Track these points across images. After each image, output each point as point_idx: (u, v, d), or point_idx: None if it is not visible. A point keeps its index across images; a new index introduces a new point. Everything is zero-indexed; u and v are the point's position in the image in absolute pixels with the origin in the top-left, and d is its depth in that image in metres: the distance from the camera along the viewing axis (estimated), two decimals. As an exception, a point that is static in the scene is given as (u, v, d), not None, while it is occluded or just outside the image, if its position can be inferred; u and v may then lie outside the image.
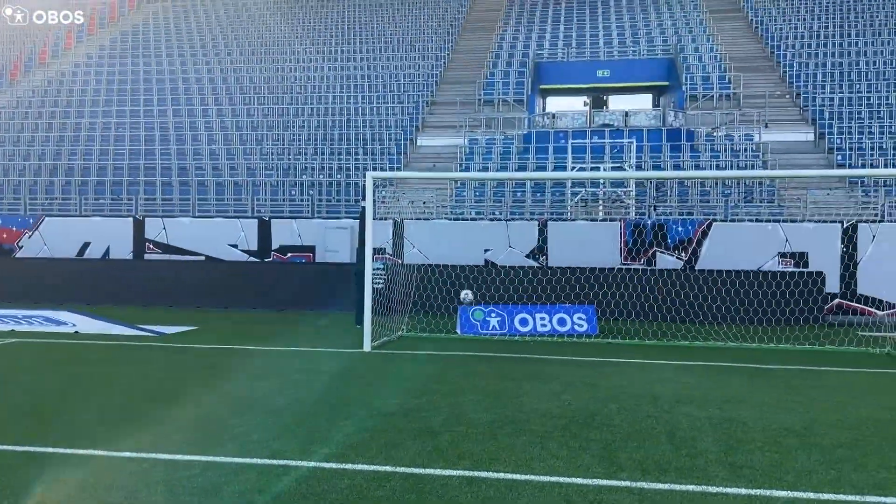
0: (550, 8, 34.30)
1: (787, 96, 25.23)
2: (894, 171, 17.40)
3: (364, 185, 12.70)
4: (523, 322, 13.28)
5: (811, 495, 4.79)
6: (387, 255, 16.91)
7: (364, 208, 13.05)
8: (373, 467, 5.30)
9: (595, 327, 13.30)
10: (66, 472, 5.23)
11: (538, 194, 20.46)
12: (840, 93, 24.35)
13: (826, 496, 4.77)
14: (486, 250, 17.62)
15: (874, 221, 16.77)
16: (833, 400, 7.91)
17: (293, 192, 21.64)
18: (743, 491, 4.85)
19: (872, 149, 20.78)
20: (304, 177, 22.29)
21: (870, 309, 15.68)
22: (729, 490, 4.86)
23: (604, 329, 13.53)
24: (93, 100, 28.78)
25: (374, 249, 12.53)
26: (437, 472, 5.21)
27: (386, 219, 18.24)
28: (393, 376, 9.14)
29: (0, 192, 22.62)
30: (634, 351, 11.45)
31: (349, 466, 5.31)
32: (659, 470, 5.28)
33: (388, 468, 5.28)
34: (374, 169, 21.63)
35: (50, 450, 5.73)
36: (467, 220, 18.96)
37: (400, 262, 16.54)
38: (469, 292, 14.13)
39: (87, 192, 22.22)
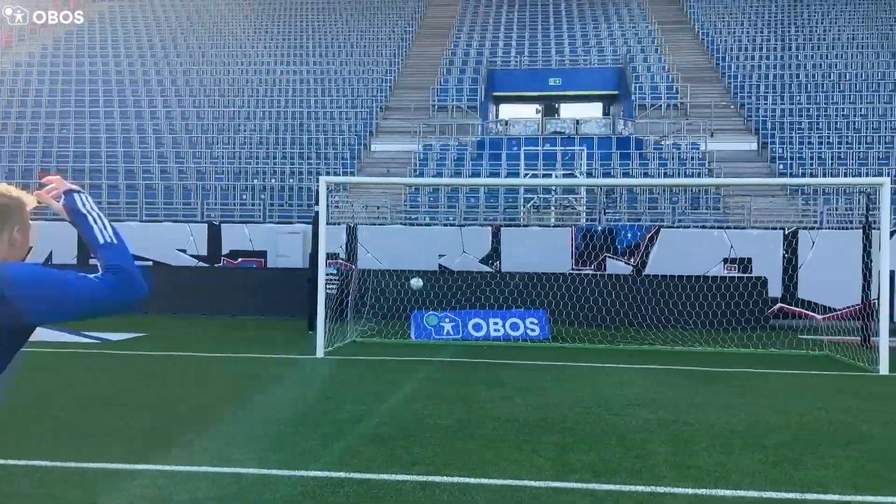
0: (503, 16, 34.66)
1: (732, 107, 26.00)
2: (832, 181, 18.08)
3: (317, 189, 12.63)
4: (477, 327, 13.36)
5: (755, 494, 4.94)
6: (340, 261, 16.81)
7: (317, 213, 12.96)
8: (326, 473, 5.27)
9: (547, 332, 13.46)
10: (10, 484, 5.06)
11: (491, 200, 20.63)
12: (781, 104, 25.22)
13: (768, 494, 4.93)
14: (440, 255, 17.67)
15: (814, 228, 17.40)
16: (775, 401, 8.18)
17: (244, 197, 21.35)
18: (690, 491, 4.98)
19: (812, 158, 21.58)
20: (256, 181, 22.02)
21: (809, 313, 16.25)
22: (677, 490, 4.98)
23: (556, 333, 13.71)
24: (35, 100, 27.92)
25: (328, 255, 12.45)
26: (391, 477, 5.21)
27: (339, 224, 18.13)
28: (346, 382, 9.09)
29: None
30: (585, 355, 11.63)
31: (302, 473, 5.26)
32: (610, 471, 5.38)
33: (342, 474, 5.25)
34: (328, 173, 21.50)
35: (-11, 461, 5.54)
36: (421, 225, 19.00)
37: (353, 267, 16.47)
38: (419, 279, 14.07)
39: (29, 194, 21.50)
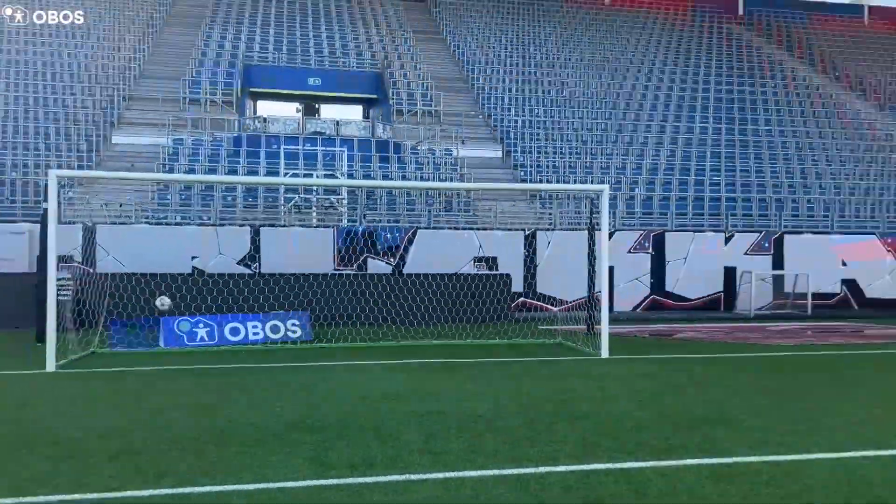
0: (259, 10, 33.75)
1: (481, 116, 27.92)
2: (563, 187, 20.21)
3: (46, 184, 11.27)
4: (234, 331, 12.87)
5: (496, 472, 5.38)
6: (75, 264, 15.19)
7: (46, 210, 11.57)
8: (59, 497, 4.75)
9: (309, 333, 13.39)
10: None
11: (250, 199, 20.01)
12: (523, 116, 27.62)
13: (507, 471, 5.40)
14: (193, 257, 16.75)
15: (549, 229, 19.32)
16: (516, 386, 8.96)
17: (-47, 191, 18.42)
18: (440, 475, 5.28)
19: (548, 166, 23.93)
20: (-32, 173, 19.11)
21: (546, 305, 18.01)
22: (429, 476, 5.26)
23: (318, 334, 13.68)
24: None
25: (60, 257, 11.18)
26: (136, 493, 4.84)
27: (74, 223, 16.42)
28: (83, 397, 8.25)
29: None
30: (347, 353, 11.76)
31: (29, 499, 4.69)
32: (366, 465, 5.52)
33: (77, 496, 4.77)
34: (60, 167, 19.33)
35: None
36: (171, 224, 17.85)
37: (91, 270, 14.97)
38: (167, 298, 13.25)
39: None
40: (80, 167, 20.03)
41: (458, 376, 9.68)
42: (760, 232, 20.69)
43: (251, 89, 29.51)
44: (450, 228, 19.25)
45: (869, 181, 25.40)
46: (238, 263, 17.06)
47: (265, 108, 32.10)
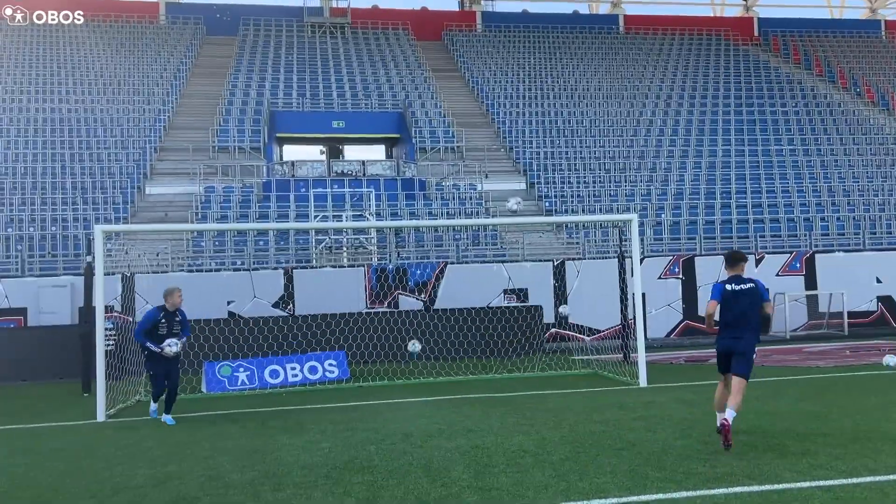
0: (282, 58, 34.62)
1: (502, 150, 28.22)
2: (590, 218, 20.30)
3: (88, 238, 11.66)
4: (274, 374, 13.08)
5: (548, 505, 5.46)
6: (116, 313, 15.57)
7: (89, 264, 11.98)
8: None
9: (346, 372, 13.56)
10: None
11: (282, 242, 20.39)
12: (544, 147, 27.86)
13: (560, 504, 5.48)
14: (229, 302, 17.08)
15: (577, 259, 19.38)
16: (557, 419, 9.00)
17: (-4, 248, 19.02)
18: (493, 511, 5.36)
19: (572, 196, 24.07)
20: (10, 230, 19.74)
21: (579, 335, 18.01)
22: (482, 512, 5.35)
23: (355, 373, 13.84)
24: None
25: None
26: (201, 539, 5.00)
27: (113, 273, 16.83)
28: (135, 446, 8.47)
29: None
30: (385, 392, 11.89)
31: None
32: (419, 502, 5.63)
33: (145, 544, 4.94)
34: (97, 220, 19.90)
35: None
36: (208, 271, 18.23)
37: (131, 320, 15.32)
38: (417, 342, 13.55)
39: None
40: (116, 219, 20.60)
41: (497, 410, 9.76)
42: (791, 252, 20.55)
43: (277, 135, 30.17)
44: (478, 262, 19.41)
45: (898, 195, 25.16)
46: (273, 306, 17.34)
47: (291, 152, 32.75)
